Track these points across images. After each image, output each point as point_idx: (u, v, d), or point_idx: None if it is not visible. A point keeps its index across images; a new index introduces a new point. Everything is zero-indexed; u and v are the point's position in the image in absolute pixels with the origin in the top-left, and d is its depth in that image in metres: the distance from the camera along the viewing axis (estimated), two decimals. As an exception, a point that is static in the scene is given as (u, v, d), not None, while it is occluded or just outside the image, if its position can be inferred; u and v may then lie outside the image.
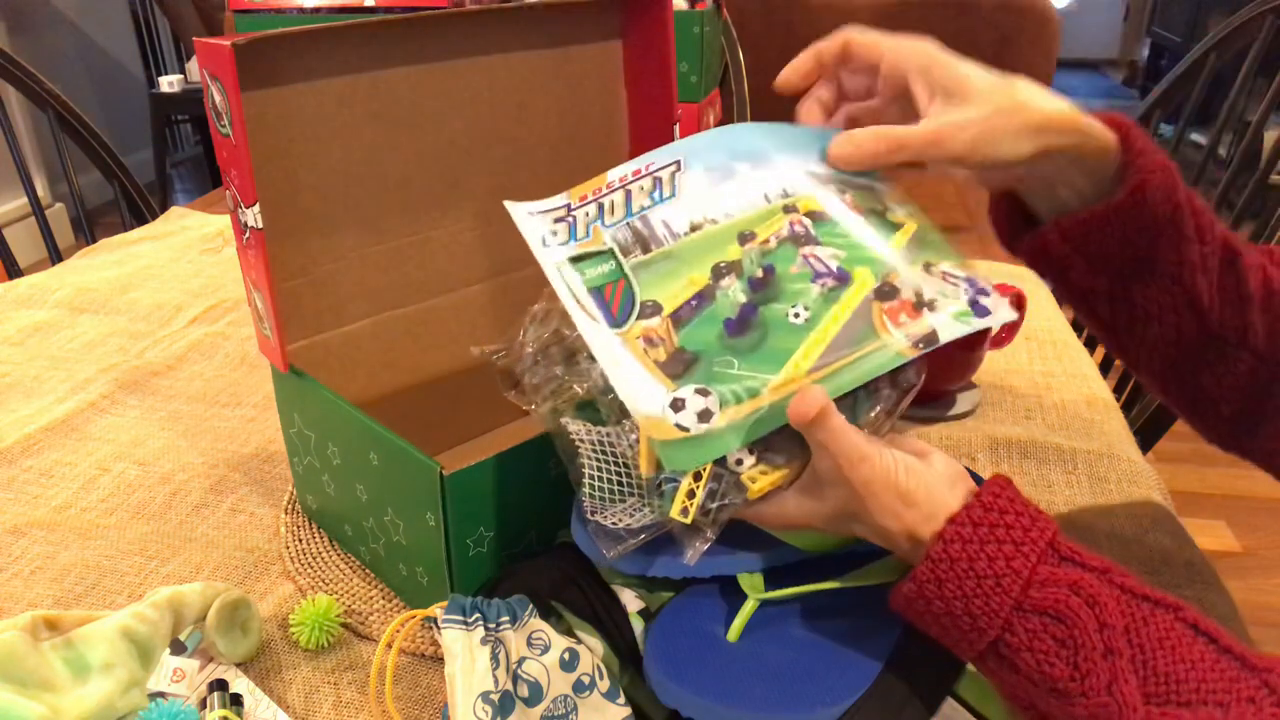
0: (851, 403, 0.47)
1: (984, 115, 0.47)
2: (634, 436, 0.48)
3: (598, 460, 0.49)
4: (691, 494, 0.46)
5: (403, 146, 0.67)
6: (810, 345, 0.47)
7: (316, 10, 1.19)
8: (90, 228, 1.40)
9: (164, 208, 1.44)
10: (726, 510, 0.47)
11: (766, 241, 0.49)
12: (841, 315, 0.47)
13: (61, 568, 0.68)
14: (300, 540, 0.70)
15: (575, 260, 0.48)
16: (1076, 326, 1.23)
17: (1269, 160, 1.10)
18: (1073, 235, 0.50)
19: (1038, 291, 1.09)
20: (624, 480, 0.49)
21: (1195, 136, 4.07)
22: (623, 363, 0.46)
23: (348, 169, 0.65)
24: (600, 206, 0.51)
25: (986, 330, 0.84)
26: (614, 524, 0.49)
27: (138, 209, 1.46)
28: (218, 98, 0.55)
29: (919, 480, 0.45)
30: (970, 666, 0.47)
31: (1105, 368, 1.12)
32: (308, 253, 0.65)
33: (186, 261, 1.23)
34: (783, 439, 0.46)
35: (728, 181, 0.50)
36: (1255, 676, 0.40)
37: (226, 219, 1.36)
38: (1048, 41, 2.52)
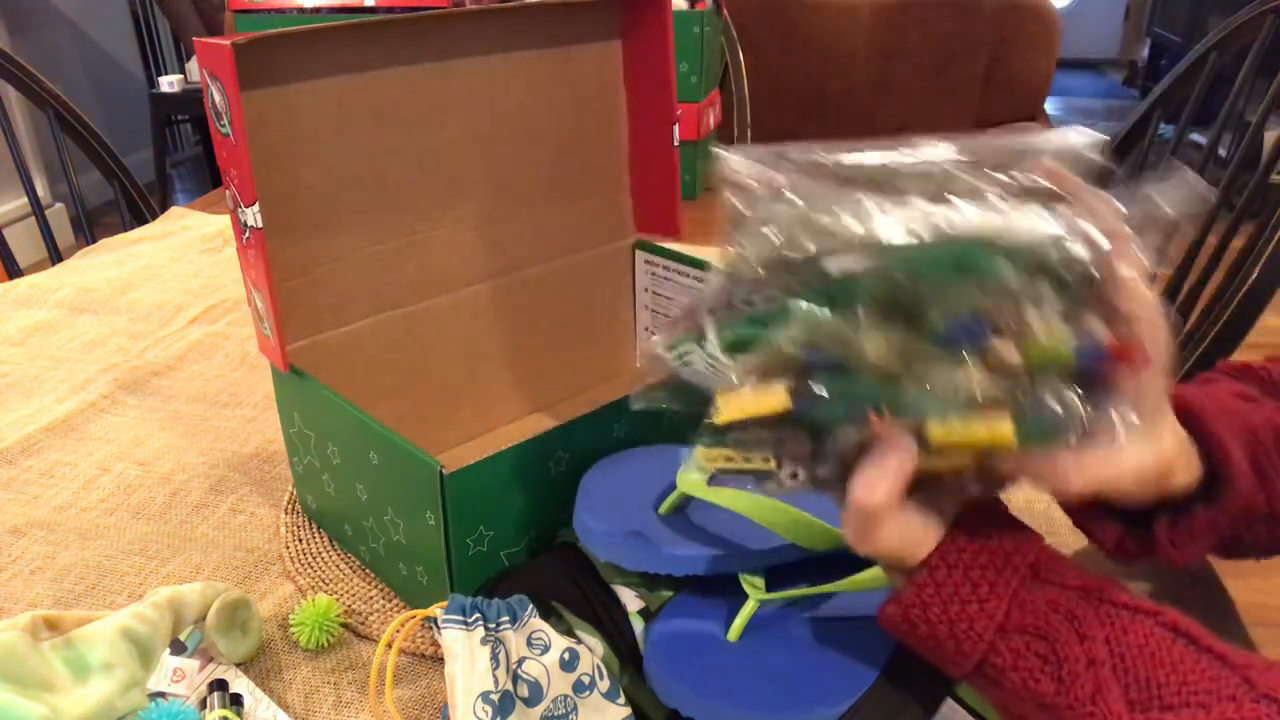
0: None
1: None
2: (730, 361, 0.41)
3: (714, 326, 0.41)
4: (730, 459, 0.42)
5: (403, 146, 0.67)
6: None
7: (316, 10, 1.20)
8: (90, 228, 1.40)
9: (164, 208, 1.44)
10: (736, 481, 0.44)
11: None
12: None
13: (61, 568, 0.68)
14: (300, 540, 0.70)
15: None
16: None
17: (1269, 160, 1.10)
18: (1189, 540, 0.49)
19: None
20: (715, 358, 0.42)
21: (1195, 136, 4.07)
22: None
23: (348, 169, 0.65)
24: None
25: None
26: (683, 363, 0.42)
27: (138, 209, 1.46)
28: (218, 98, 0.55)
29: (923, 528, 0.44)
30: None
31: (1105, 368, 1.12)
32: (308, 253, 0.65)
33: (186, 261, 1.23)
34: (830, 469, 0.42)
35: None
36: (1235, 674, 0.40)
37: (226, 219, 1.36)
38: (1048, 41, 2.52)
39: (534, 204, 0.77)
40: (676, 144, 0.77)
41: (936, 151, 0.41)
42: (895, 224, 0.39)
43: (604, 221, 0.83)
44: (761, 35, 2.55)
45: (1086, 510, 0.52)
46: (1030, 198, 0.39)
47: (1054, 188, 0.40)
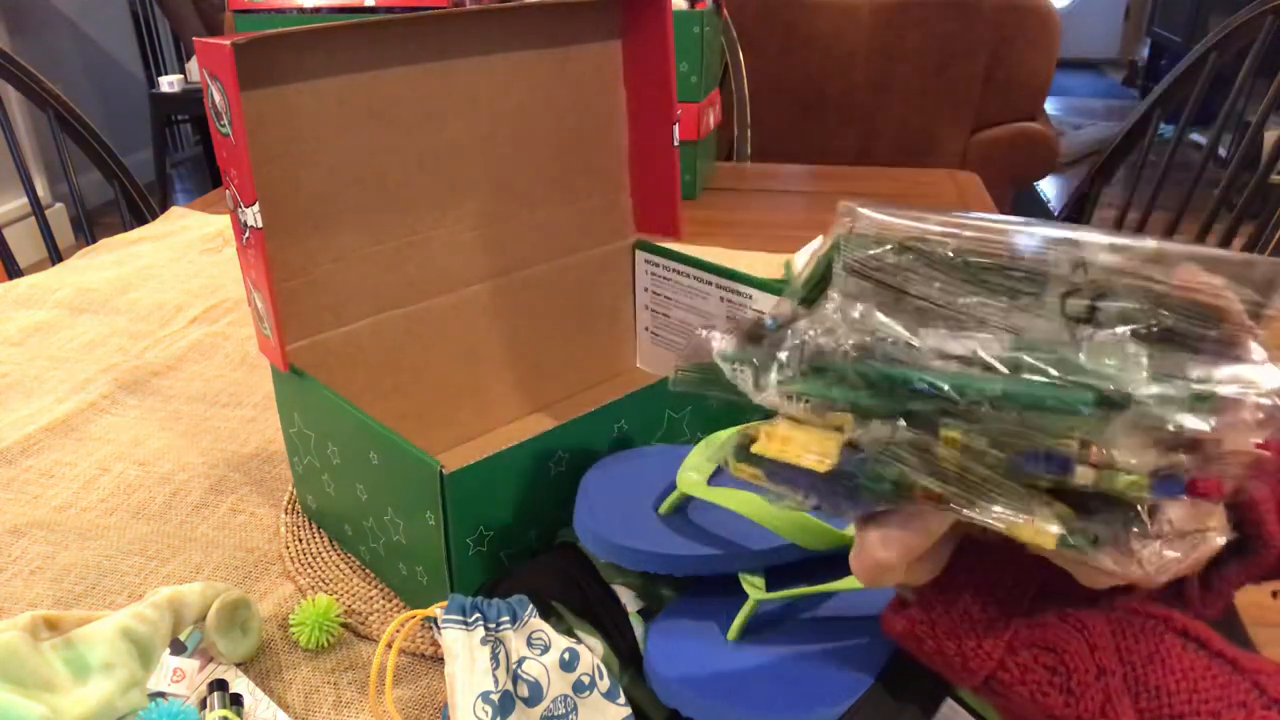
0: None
1: None
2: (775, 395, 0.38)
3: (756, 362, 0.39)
4: (757, 480, 0.39)
5: (403, 146, 0.67)
6: None
7: (316, 10, 1.19)
8: (90, 228, 1.40)
9: (164, 208, 1.44)
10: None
11: None
12: None
13: (61, 568, 0.68)
14: (300, 540, 0.70)
15: None
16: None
17: (1269, 160, 1.10)
18: (1218, 600, 0.47)
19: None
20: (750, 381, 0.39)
21: (1195, 136, 4.07)
22: None
23: (348, 169, 0.65)
24: None
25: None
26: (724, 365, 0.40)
27: (138, 209, 1.46)
28: (218, 98, 0.55)
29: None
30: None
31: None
32: (308, 253, 0.65)
33: (186, 261, 1.23)
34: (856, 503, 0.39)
35: None
36: (1245, 679, 0.40)
37: (226, 219, 1.36)
38: (1048, 41, 2.52)
39: (534, 204, 0.77)
40: (676, 144, 0.77)
41: (1088, 251, 0.37)
42: (1007, 350, 0.36)
43: (604, 221, 0.83)
44: (761, 35, 2.55)
45: None
46: (1171, 312, 0.35)
47: (1201, 302, 0.35)
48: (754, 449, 0.39)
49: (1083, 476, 0.35)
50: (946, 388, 0.35)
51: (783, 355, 0.38)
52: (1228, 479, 0.35)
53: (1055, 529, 0.35)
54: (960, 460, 0.36)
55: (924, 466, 0.36)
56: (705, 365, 0.41)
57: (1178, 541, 0.36)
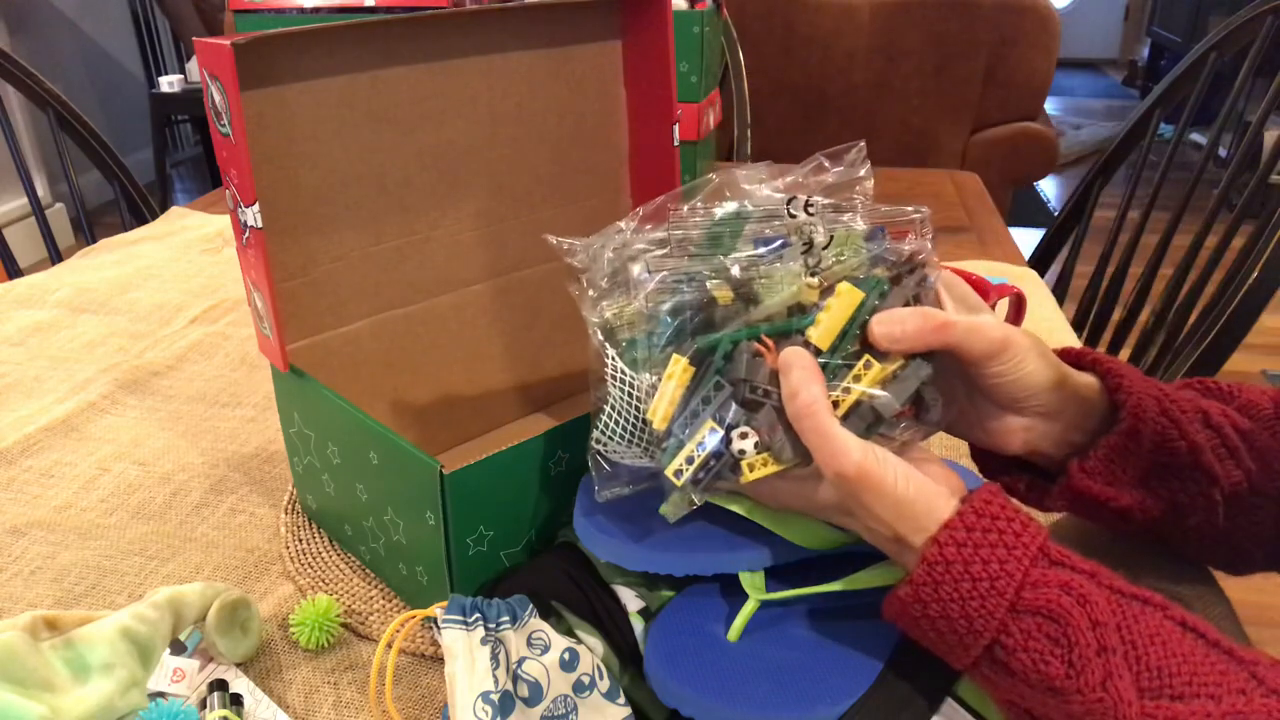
0: (864, 426, 0.47)
1: (1009, 328, 0.50)
2: (651, 380, 0.48)
3: (622, 397, 0.49)
4: (690, 460, 0.47)
5: (403, 146, 0.67)
6: None
7: (316, 10, 1.19)
8: (90, 228, 1.40)
9: (164, 208, 1.44)
10: (717, 484, 0.48)
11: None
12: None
13: (61, 568, 0.68)
14: (300, 540, 0.70)
15: None
16: (1076, 326, 1.23)
17: (1269, 160, 1.10)
18: (1100, 470, 0.54)
19: (1037, 291, 1.09)
20: (638, 427, 0.49)
21: (1195, 136, 4.08)
22: None
23: (348, 169, 0.65)
24: None
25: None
26: (614, 455, 0.50)
27: (138, 209, 1.46)
28: (218, 98, 0.55)
29: (917, 490, 0.45)
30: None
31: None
32: (308, 253, 0.65)
33: (186, 261, 1.23)
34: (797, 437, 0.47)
35: None
36: (1243, 668, 0.40)
37: (226, 219, 1.36)
38: (1048, 41, 2.52)
39: (534, 204, 0.77)
40: (676, 144, 0.77)
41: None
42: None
43: (604, 221, 0.82)
44: (761, 35, 2.55)
45: (1000, 461, 0.57)
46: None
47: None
48: (656, 426, 0.48)
49: (819, 241, 0.49)
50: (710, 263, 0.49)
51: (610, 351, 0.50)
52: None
53: (849, 287, 0.48)
54: (732, 299, 0.49)
55: (722, 319, 0.48)
56: (615, 475, 0.52)
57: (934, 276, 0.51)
